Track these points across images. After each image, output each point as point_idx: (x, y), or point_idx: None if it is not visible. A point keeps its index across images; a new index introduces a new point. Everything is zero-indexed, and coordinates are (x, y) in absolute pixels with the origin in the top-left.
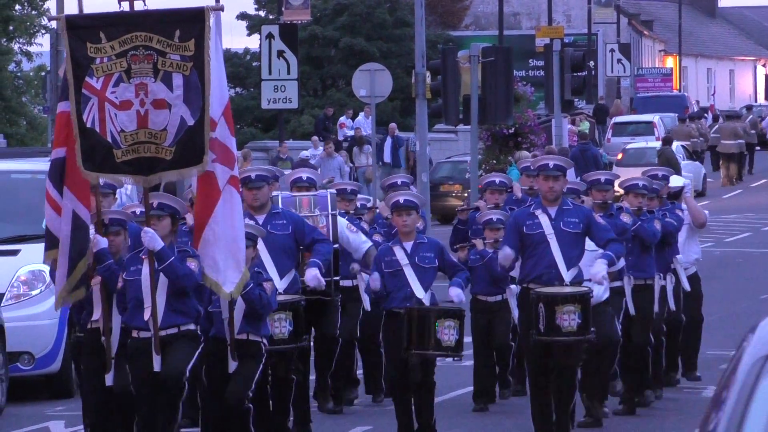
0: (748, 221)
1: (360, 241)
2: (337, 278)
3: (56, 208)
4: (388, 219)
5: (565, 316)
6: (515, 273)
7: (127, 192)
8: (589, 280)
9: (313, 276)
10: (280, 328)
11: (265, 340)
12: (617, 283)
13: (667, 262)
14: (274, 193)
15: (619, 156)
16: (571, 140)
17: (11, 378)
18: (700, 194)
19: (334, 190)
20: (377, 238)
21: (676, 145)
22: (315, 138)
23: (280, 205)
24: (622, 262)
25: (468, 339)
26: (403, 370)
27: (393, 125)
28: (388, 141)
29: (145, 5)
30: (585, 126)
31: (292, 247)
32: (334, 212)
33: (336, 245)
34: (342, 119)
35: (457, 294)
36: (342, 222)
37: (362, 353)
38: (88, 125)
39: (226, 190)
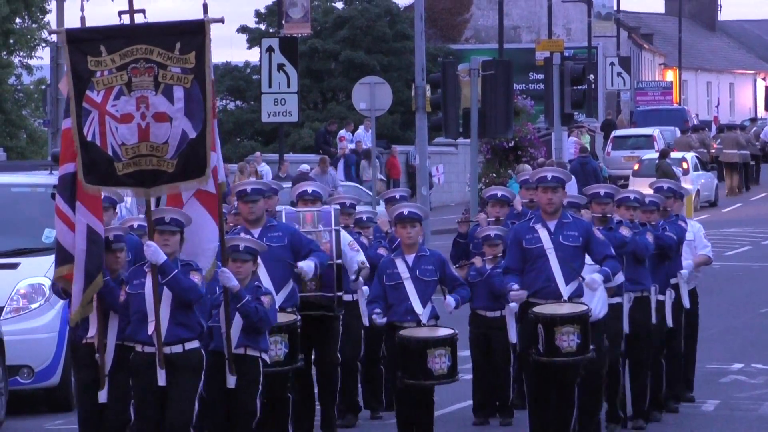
0: (749, 235)
1: (355, 261)
2: (340, 294)
3: (68, 223)
4: (387, 234)
5: (564, 337)
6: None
7: (127, 205)
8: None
9: (306, 264)
10: (276, 351)
11: (263, 355)
12: (616, 299)
13: (666, 276)
14: (278, 208)
15: (636, 166)
16: (577, 153)
17: (10, 391)
18: (712, 204)
19: (337, 206)
20: (382, 251)
21: (691, 155)
22: (258, 154)
23: (284, 221)
24: (621, 278)
25: (467, 352)
26: (404, 387)
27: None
28: (341, 162)
29: (145, 18)
30: (586, 139)
31: (288, 259)
32: (337, 228)
33: (339, 260)
34: (342, 132)
35: (449, 302)
36: (345, 238)
37: (362, 367)
38: (89, 139)
39: (190, 203)
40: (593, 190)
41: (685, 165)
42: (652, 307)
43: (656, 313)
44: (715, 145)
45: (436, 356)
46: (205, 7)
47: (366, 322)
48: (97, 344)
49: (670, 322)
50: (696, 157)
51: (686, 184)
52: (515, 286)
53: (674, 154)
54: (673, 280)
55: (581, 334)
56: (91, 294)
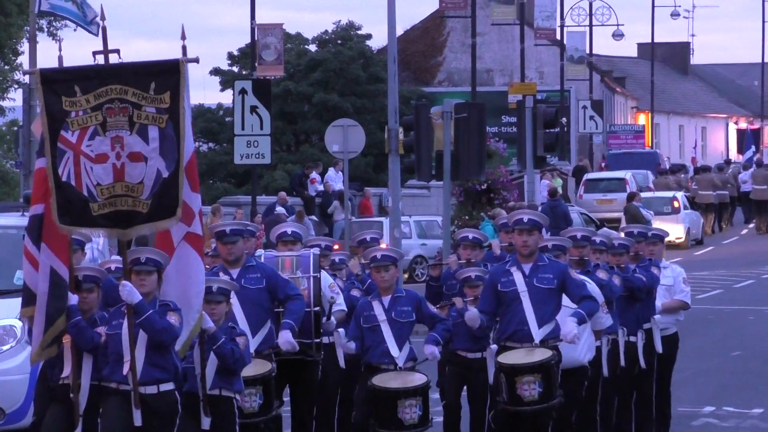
0: (720, 278)
1: (335, 307)
2: (319, 340)
3: (34, 263)
4: (359, 275)
5: (525, 386)
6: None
7: (99, 247)
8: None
9: (285, 341)
10: (251, 403)
11: (238, 396)
12: (597, 343)
13: (637, 319)
14: (257, 252)
15: None
16: (546, 196)
17: None
18: (699, 242)
19: (317, 251)
20: (355, 293)
21: (681, 194)
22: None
23: None
24: (608, 321)
25: (436, 395)
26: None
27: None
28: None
29: (120, 58)
30: (558, 182)
31: (265, 301)
32: (316, 274)
33: (317, 308)
34: (313, 175)
35: (431, 352)
36: (326, 279)
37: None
38: (64, 179)
39: (181, 246)
40: (570, 233)
41: (676, 203)
42: (620, 351)
43: (624, 357)
44: (691, 186)
45: (407, 406)
46: (183, 49)
47: (342, 364)
48: (71, 384)
49: (643, 363)
50: (686, 196)
51: (673, 224)
52: (473, 313)
53: (663, 194)
54: (646, 325)
55: (543, 382)
56: (51, 336)
